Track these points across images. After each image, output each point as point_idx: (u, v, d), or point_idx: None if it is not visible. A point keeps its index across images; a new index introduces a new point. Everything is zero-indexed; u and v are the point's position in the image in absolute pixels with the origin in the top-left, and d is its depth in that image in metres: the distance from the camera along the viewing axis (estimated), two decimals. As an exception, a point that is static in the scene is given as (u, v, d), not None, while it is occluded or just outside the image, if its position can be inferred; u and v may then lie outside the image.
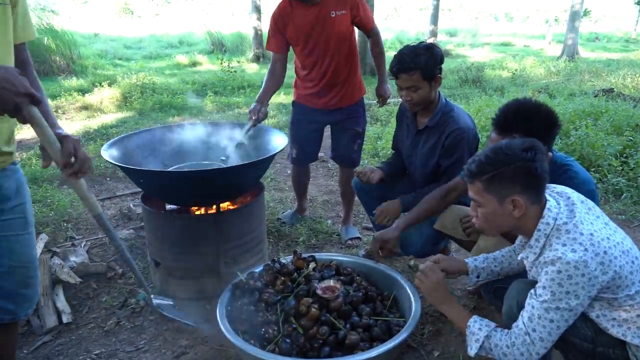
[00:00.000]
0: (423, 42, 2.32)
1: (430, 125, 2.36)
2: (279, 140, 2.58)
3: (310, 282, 1.96)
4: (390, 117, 6.23)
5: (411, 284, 2.07)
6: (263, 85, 2.91)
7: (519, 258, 1.59)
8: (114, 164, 2.17)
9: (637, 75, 9.45)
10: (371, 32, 2.92)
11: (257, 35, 14.59)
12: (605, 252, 1.36)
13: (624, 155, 4.34)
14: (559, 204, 1.49)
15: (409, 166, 2.61)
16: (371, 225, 3.09)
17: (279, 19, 2.79)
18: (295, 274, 2.03)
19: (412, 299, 1.97)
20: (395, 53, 2.28)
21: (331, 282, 1.90)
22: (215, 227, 2.33)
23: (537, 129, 1.67)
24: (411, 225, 2.24)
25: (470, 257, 1.91)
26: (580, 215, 1.44)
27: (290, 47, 2.90)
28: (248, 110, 2.77)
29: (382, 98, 3.02)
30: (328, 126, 3.07)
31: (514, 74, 10.77)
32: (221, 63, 10.20)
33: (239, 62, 12.82)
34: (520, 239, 1.76)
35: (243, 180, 2.40)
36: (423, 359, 2.01)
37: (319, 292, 1.85)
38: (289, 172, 4.56)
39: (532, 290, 1.45)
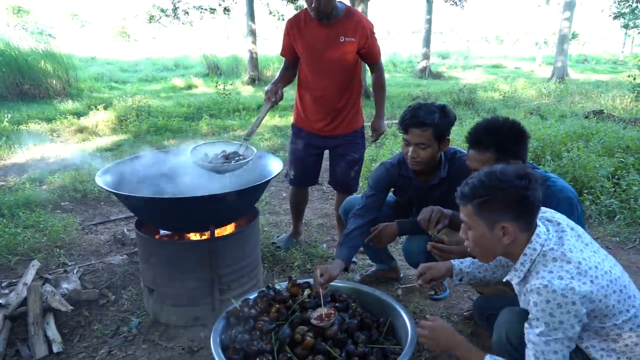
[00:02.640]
0: (437, 102, 2.31)
1: (444, 176, 2.33)
2: (274, 165, 2.58)
3: (305, 310, 1.94)
4: (384, 139, 6.28)
5: (407, 310, 2.06)
6: (277, 77, 2.96)
7: (504, 280, 1.59)
8: (108, 190, 2.16)
9: (626, 97, 9.62)
10: (375, 67, 2.93)
11: (253, 58, 14.77)
12: (592, 281, 1.36)
13: (616, 176, 4.38)
14: (548, 230, 1.48)
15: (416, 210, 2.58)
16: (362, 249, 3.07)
17: (291, 28, 2.83)
18: (290, 301, 2.01)
19: (408, 325, 1.95)
20: (406, 108, 2.26)
21: (325, 310, 1.89)
22: (209, 253, 2.32)
23: (507, 141, 1.77)
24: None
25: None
26: (570, 242, 1.44)
27: None
28: (265, 91, 2.79)
29: (376, 133, 3.00)
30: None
31: (504, 95, 10.94)
32: (216, 86, 10.30)
33: (232, 84, 12.90)
34: (505, 260, 1.76)
35: (238, 205, 2.39)
36: (420, 386, 1.98)
37: (313, 321, 1.83)
38: (284, 195, 4.58)
39: (526, 324, 1.43)
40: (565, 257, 1.39)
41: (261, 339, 1.81)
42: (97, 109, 8.32)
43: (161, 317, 2.44)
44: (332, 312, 1.88)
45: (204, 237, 2.45)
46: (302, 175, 3.12)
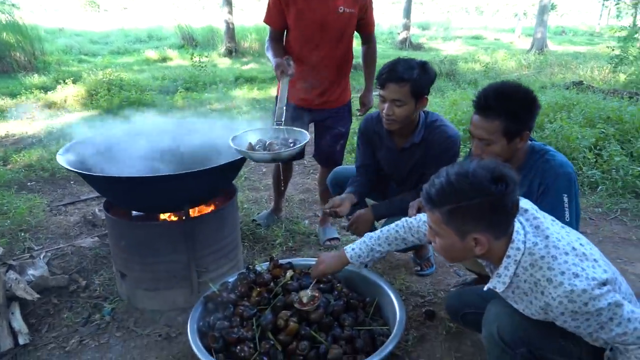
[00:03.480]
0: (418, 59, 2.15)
1: (416, 142, 2.24)
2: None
3: (288, 293, 1.84)
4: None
5: (393, 288, 1.98)
6: (272, 50, 2.64)
7: (485, 289, 1.43)
8: (70, 170, 1.99)
9: (604, 68, 9.63)
10: (369, 38, 2.80)
11: (229, 29, 14.27)
12: (595, 260, 1.27)
13: (598, 147, 4.36)
14: (521, 222, 1.33)
15: (389, 179, 2.51)
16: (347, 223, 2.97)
17: None
18: (272, 283, 1.91)
19: (396, 305, 1.87)
20: (385, 63, 2.13)
21: (309, 292, 1.79)
22: (184, 235, 2.18)
23: (517, 108, 1.64)
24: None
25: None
26: (551, 230, 1.32)
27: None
28: (275, 67, 2.47)
29: (365, 107, 2.92)
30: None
31: (486, 67, 10.86)
32: (192, 58, 9.95)
33: (208, 56, 12.51)
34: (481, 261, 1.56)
35: (214, 183, 2.25)
36: (408, 368, 1.92)
37: (297, 305, 1.73)
38: (264, 170, 4.43)
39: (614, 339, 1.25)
40: (559, 250, 1.27)
41: (242, 325, 1.71)
42: (66, 83, 7.92)
43: (136, 302, 2.32)
44: (317, 294, 1.78)
45: (178, 218, 2.31)
46: None
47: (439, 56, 12.16)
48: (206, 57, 11.01)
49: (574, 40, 23.18)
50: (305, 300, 1.75)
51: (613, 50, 9.14)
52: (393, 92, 2.08)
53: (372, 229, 2.77)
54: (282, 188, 3.25)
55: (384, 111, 2.15)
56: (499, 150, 1.69)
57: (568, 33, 28.73)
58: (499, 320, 1.42)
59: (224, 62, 12.69)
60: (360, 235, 2.49)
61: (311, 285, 1.84)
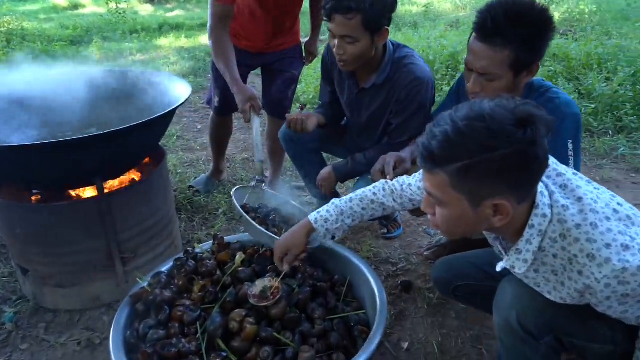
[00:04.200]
0: None
1: (379, 83, 1.87)
2: (180, 90, 1.96)
3: (240, 282, 1.46)
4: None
5: (367, 263, 1.64)
6: (226, 63, 2.05)
7: (498, 269, 1.11)
8: None
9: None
10: None
11: (150, -29, 12.88)
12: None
13: (548, 85, 4.22)
14: (542, 181, 1.01)
15: (349, 126, 2.14)
16: (303, 184, 2.61)
17: None
18: (219, 271, 1.51)
19: (372, 282, 1.53)
20: None
21: (267, 281, 1.41)
22: (100, 214, 1.71)
23: (532, 33, 1.29)
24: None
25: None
26: (583, 190, 1.01)
27: None
28: (239, 101, 2.00)
29: (312, 56, 2.62)
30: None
31: (426, 7, 10.57)
32: (107, 3, 8.85)
33: (127, 3, 11.24)
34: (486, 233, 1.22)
35: (133, 147, 1.77)
36: (390, 355, 1.63)
37: (253, 300, 1.35)
38: (199, 127, 3.92)
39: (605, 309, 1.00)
40: (597, 215, 0.96)
41: (182, 333, 1.31)
42: (-47, 35, 6.73)
43: (45, 303, 1.85)
44: (276, 283, 1.41)
45: (90, 195, 1.82)
46: (230, 99, 2.54)
47: None
48: (125, 3, 9.86)
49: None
50: (262, 292, 1.37)
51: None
52: (341, 26, 1.68)
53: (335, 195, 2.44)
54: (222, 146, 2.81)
55: (334, 50, 1.76)
56: (503, 87, 1.36)
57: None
58: (519, 304, 1.11)
59: (146, 9, 11.50)
60: (326, 194, 2.14)
61: (270, 274, 1.46)
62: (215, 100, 2.53)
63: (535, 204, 0.98)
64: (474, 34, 1.38)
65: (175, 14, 10.60)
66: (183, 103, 1.81)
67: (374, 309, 1.47)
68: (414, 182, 1.38)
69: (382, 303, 1.44)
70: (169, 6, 12.09)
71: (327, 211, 1.42)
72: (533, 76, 1.41)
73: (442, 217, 1.00)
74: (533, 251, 1.01)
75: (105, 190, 1.74)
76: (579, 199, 0.99)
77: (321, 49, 2.63)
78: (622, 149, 3.27)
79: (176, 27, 8.61)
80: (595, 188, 1.04)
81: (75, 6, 11.96)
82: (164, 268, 1.61)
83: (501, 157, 0.87)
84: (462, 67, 4.77)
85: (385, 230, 2.32)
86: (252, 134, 2.14)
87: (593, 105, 3.75)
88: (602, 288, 0.94)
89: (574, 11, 8.49)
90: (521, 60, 1.31)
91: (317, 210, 1.44)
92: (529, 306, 1.09)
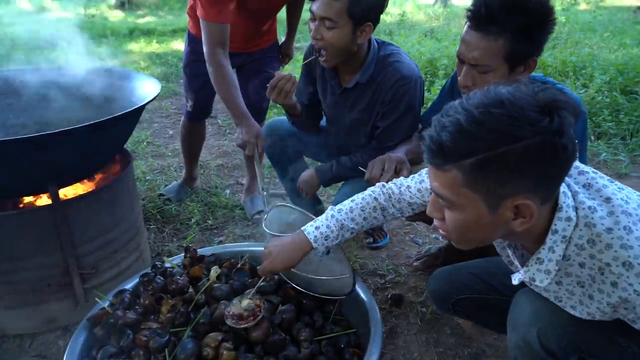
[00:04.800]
0: None
1: (362, 82, 1.73)
2: (148, 88, 1.79)
3: (215, 301, 1.28)
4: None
5: (359, 281, 1.49)
6: (230, 93, 1.87)
7: (514, 282, 0.97)
8: None
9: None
10: None
11: (120, -24, 12.62)
12: None
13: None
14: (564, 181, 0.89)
15: (331, 130, 2.00)
16: (283, 191, 2.45)
17: None
18: (191, 288, 1.33)
19: (364, 298, 1.39)
20: None
21: (246, 300, 1.24)
22: (55, 225, 1.51)
23: (530, 22, 1.20)
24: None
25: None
26: (610, 189, 0.89)
27: None
28: (244, 137, 1.79)
29: (287, 58, 2.51)
30: None
31: (402, 18, 10.67)
32: (75, 7, 8.55)
33: (97, 8, 10.95)
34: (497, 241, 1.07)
35: (94, 149, 1.59)
36: (383, 378, 1.48)
37: (230, 322, 1.18)
38: (170, 132, 3.72)
39: None
40: (631, 218, 0.84)
41: (148, 362, 1.13)
42: None
43: (-8, 327, 1.63)
44: (257, 301, 1.24)
45: (44, 202, 1.62)
46: (203, 105, 2.41)
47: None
48: (95, 9, 9.57)
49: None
50: (241, 311, 1.21)
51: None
52: (325, 5, 1.55)
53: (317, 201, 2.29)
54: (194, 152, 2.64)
55: (311, 33, 1.62)
56: (496, 80, 1.25)
57: (468, -12, 29.71)
58: (539, 320, 0.98)
59: (117, 16, 11.19)
60: (306, 199, 2.00)
61: (253, 289, 1.29)
62: (189, 104, 2.36)
63: (558, 206, 0.86)
64: (467, 23, 1.28)
65: (147, 20, 10.35)
66: (151, 101, 1.63)
67: (366, 327, 1.33)
68: (413, 184, 1.24)
69: (375, 321, 1.30)
70: (140, 12, 11.85)
71: (327, 226, 1.23)
72: (530, 72, 1.32)
73: (453, 222, 0.86)
74: (557, 260, 0.88)
75: (62, 198, 1.54)
76: (607, 200, 0.87)
77: (301, 52, 2.51)
78: (603, 154, 3.24)
79: (147, 32, 8.38)
80: (619, 188, 0.92)
81: (42, 10, 11.56)
82: (129, 285, 1.43)
83: (524, 148, 0.74)
84: (440, 72, 4.74)
85: (371, 240, 2.18)
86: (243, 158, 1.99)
87: (572, 112, 3.75)
88: None
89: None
90: (517, 51, 1.22)
91: (314, 225, 1.24)
92: (551, 322, 0.96)
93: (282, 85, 1.69)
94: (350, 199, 1.29)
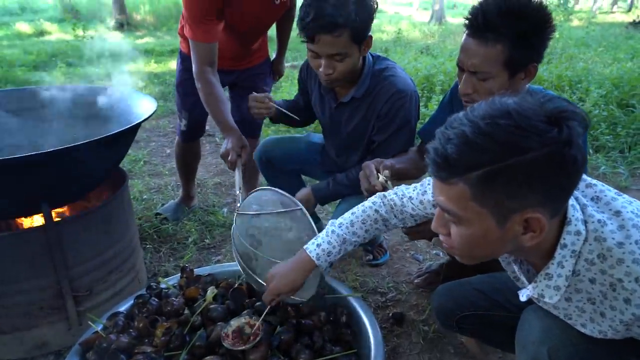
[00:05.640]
0: None
1: (358, 96, 1.73)
2: (144, 106, 1.78)
3: (211, 323, 1.25)
4: (281, 81, 5.55)
5: (357, 297, 1.46)
6: (219, 108, 1.87)
7: (522, 298, 0.94)
8: None
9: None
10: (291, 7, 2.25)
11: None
12: None
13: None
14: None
15: (328, 144, 1.99)
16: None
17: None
18: (186, 310, 1.29)
19: (365, 319, 1.36)
20: (303, 3, 1.53)
21: (243, 321, 1.20)
22: (49, 247, 1.48)
23: (528, 29, 1.20)
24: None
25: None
26: (619, 202, 0.87)
27: None
28: (229, 145, 1.76)
29: (278, 75, 2.52)
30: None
31: (398, 35, 10.79)
32: (74, 29, 8.60)
33: (95, 30, 11.04)
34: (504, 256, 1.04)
35: (88, 169, 1.56)
36: (385, 400, 1.43)
37: (227, 343, 1.14)
38: (168, 151, 3.70)
39: None
40: None
41: (141, 388, 1.09)
42: None
43: (-19, 352, 1.58)
44: (255, 322, 1.20)
45: (36, 224, 1.60)
46: (197, 123, 2.40)
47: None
48: (94, 31, 9.66)
49: (466, 14, 24.32)
50: (238, 333, 1.17)
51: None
52: (328, 45, 1.52)
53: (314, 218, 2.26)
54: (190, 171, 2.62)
55: (320, 69, 1.59)
56: (497, 88, 1.25)
57: (459, 7, 30.12)
58: (550, 338, 0.94)
59: (115, 37, 11.29)
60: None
61: (250, 310, 1.26)
62: (182, 123, 2.35)
63: (567, 220, 0.84)
64: (466, 32, 1.28)
65: (145, 40, 10.46)
66: (146, 119, 1.62)
67: (367, 347, 1.29)
68: (415, 195, 1.21)
69: (376, 341, 1.26)
70: (138, 33, 11.97)
71: (329, 242, 1.22)
72: (531, 79, 1.31)
73: (460, 237, 0.84)
74: (566, 276, 0.85)
75: (55, 219, 1.51)
76: (617, 213, 0.85)
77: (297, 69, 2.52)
78: (602, 167, 3.23)
79: (145, 53, 8.45)
80: (629, 201, 0.90)
81: (41, 33, 11.68)
82: (123, 307, 1.39)
83: (533, 159, 0.72)
84: (437, 88, 4.76)
85: (371, 257, 2.14)
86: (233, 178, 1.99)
87: (570, 125, 3.76)
88: None
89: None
90: (516, 58, 1.21)
91: (315, 242, 1.23)
92: (562, 341, 0.93)
93: (258, 106, 1.78)
94: (351, 211, 1.27)
